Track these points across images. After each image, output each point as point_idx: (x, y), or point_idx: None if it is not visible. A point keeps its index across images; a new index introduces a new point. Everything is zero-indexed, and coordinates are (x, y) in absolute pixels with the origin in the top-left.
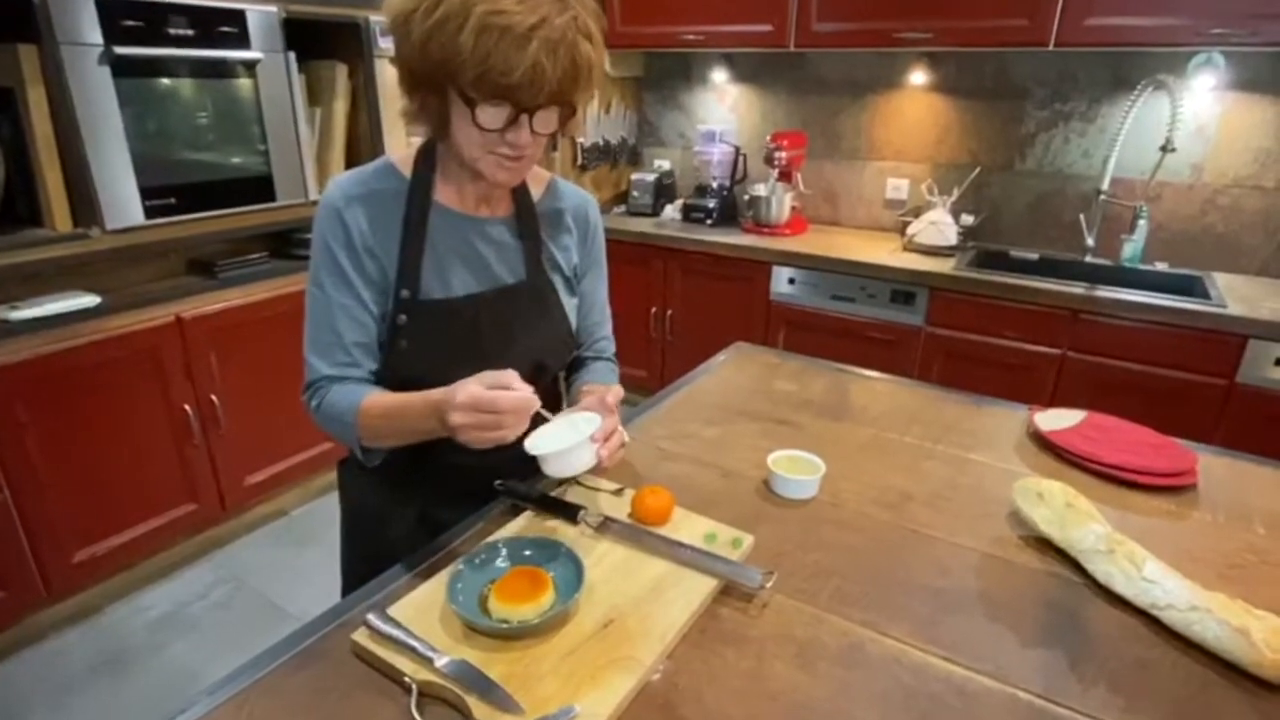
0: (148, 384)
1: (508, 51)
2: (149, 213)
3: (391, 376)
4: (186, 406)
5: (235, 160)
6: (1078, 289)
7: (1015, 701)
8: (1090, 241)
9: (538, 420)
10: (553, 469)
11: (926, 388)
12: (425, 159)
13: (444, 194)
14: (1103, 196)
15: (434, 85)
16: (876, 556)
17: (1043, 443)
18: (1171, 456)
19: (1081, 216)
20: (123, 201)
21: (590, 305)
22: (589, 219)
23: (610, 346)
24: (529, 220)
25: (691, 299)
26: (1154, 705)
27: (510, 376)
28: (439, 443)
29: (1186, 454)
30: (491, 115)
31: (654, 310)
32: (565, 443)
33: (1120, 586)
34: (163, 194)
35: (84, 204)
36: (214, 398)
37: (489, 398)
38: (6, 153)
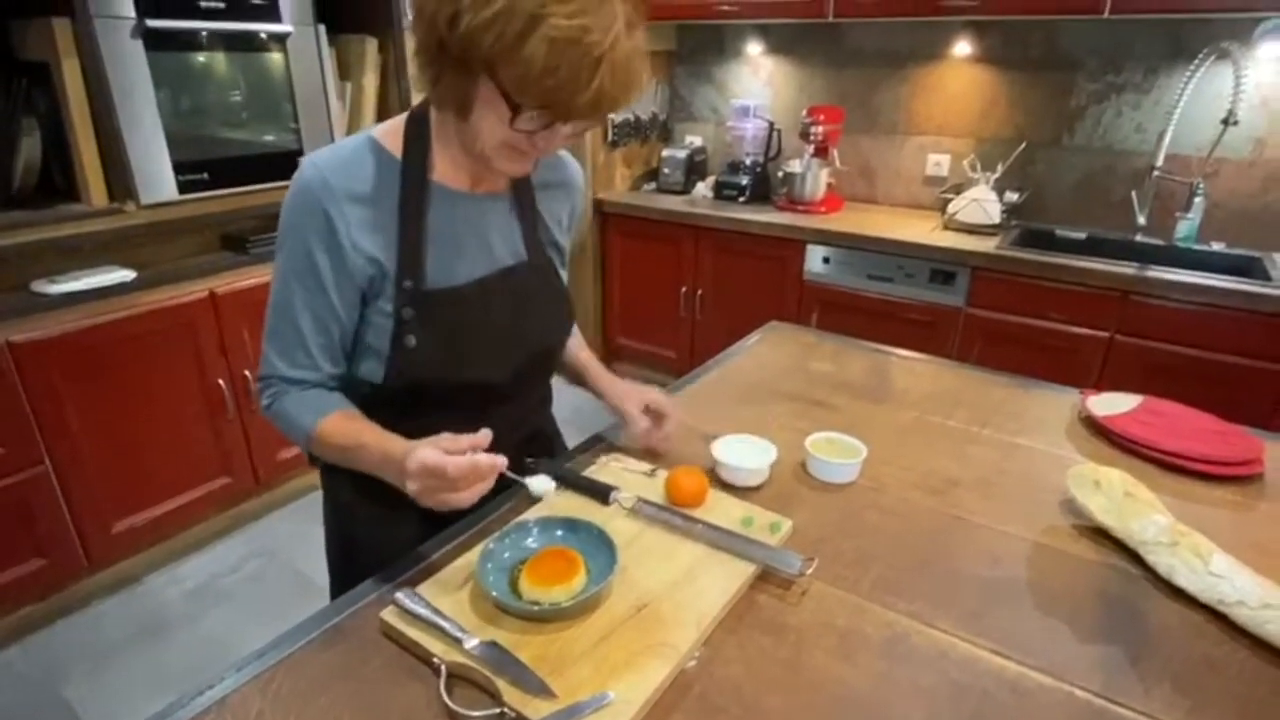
0: (182, 358)
1: (579, 71)
2: (182, 188)
3: (399, 379)
4: (220, 381)
5: (267, 136)
6: (1128, 269)
7: (1072, 700)
8: (1142, 220)
9: (503, 478)
10: (727, 475)
11: (970, 369)
12: (416, 134)
13: (439, 171)
14: (1156, 173)
15: (466, 69)
16: (921, 544)
17: (1096, 428)
18: (1237, 444)
19: (1133, 194)
20: (157, 176)
21: (569, 265)
22: (579, 187)
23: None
24: (526, 195)
25: (723, 278)
26: (1222, 707)
27: (478, 439)
28: (451, 412)
29: (1253, 441)
30: (530, 120)
31: (684, 289)
32: (745, 461)
33: (1184, 581)
34: (196, 169)
35: (119, 179)
36: (247, 373)
37: (438, 463)
38: (43, 127)
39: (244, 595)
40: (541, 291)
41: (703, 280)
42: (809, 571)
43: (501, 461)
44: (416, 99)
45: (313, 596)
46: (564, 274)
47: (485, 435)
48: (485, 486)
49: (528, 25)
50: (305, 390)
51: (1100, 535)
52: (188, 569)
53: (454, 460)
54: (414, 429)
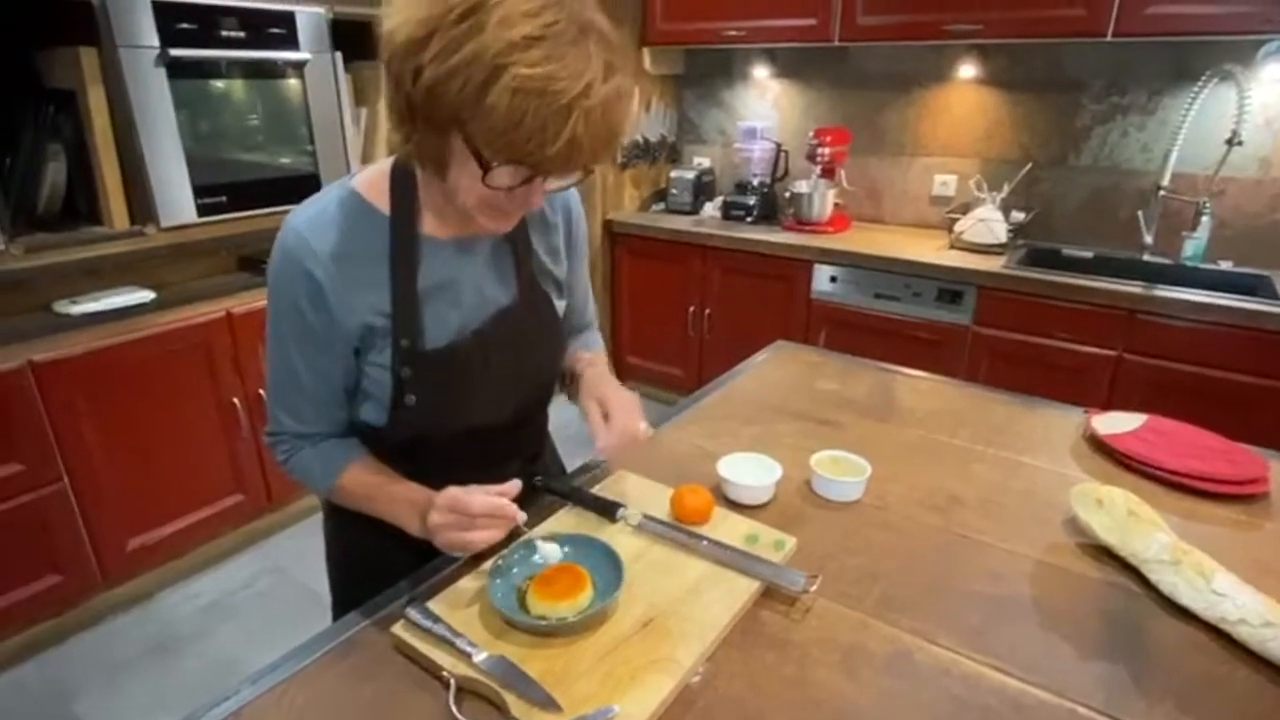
0: (198, 378)
1: (545, 121)
2: (201, 211)
3: (401, 433)
4: (235, 400)
5: (284, 160)
6: (1135, 288)
7: (1075, 717)
8: (1148, 239)
9: (515, 533)
10: (733, 494)
11: (975, 388)
12: (402, 187)
13: (427, 223)
14: (1163, 192)
15: (437, 128)
16: (924, 561)
17: (1100, 447)
18: (1241, 463)
19: (1140, 213)
20: (177, 200)
21: (576, 289)
22: (570, 209)
23: (593, 316)
24: (518, 230)
25: (730, 298)
26: None
27: (506, 488)
28: (449, 465)
29: (1257, 460)
30: (505, 176)
31: (692, 309)
32: (750, 480)
33: (1186, 599)
34: (214, 192)
35: (140, 202)
36: (261, 392)
37: (465, 497)
38: (68, 152)
39: (254, 612)
40: (537, 329)
41: (710, 300)
42: (813, 589)
43: (521, 517)
44: None
45: (322, 613)
46: (560, 304)
47: (514, 486)
48: (498, 535)
49: (490, 75)
50: (317, 444)
51: (1103, 553)
52: (200, 586)
53: (479, 497)
54: (414, 470)
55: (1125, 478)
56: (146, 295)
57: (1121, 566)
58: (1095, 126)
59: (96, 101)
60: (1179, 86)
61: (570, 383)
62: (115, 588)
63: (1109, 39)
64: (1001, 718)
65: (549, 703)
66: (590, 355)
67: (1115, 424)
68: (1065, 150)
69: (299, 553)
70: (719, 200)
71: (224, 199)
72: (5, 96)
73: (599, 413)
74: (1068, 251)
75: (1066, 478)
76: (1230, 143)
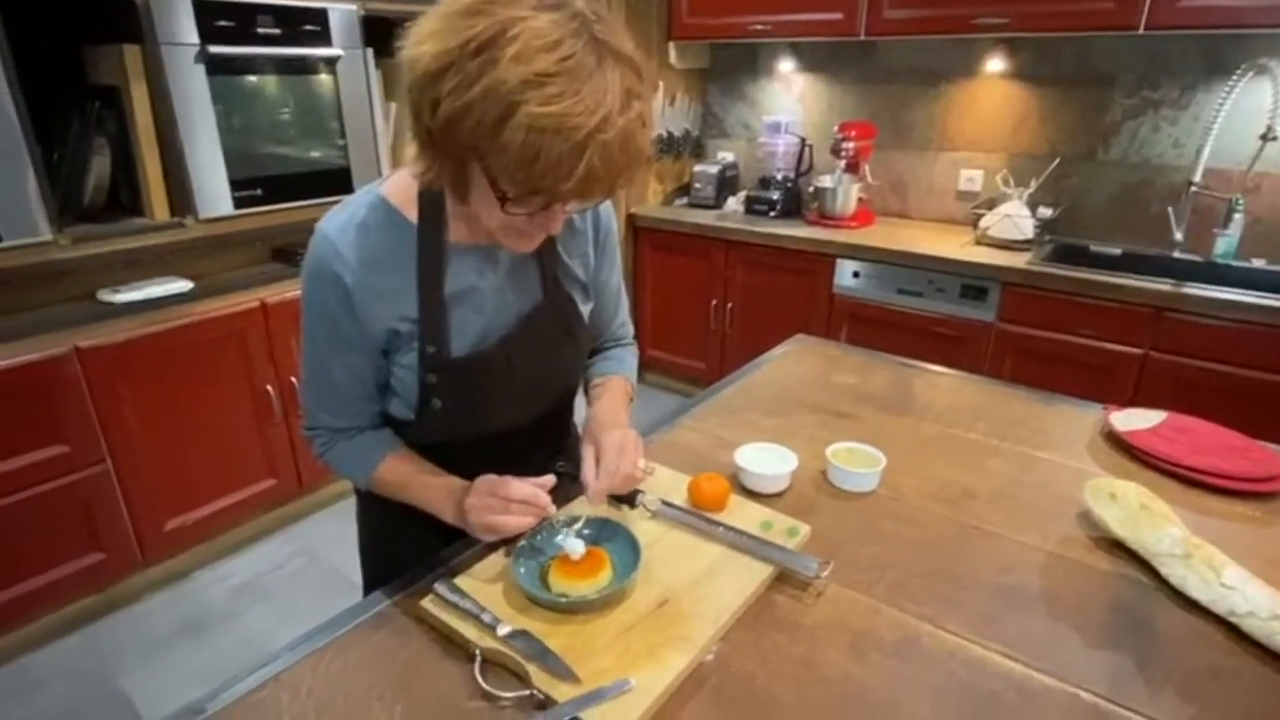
0: (234, 365)
1: (560, 157)
2: (237, 203)
3: (427, 436)
4: (269, 387)
5: (315, 154)
6: (1164, 285)
7: (1077, 702)
8: (1179, 236)
9: (543, 523)
10: (749, 482)
11: (994, 384)
12: (429, 198)
13: (454, 231)
14: (1194, 188)
15: (455, 158)
16: (936, 551)
17: (1118, 443)
18: (1258, 460)
19: (1170, 209)
20: (214, 192)
21: (605, 296)
22: (599, 214)
23: (628, 330)
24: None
25: (752, 292)
26: (1227, 714)
27: (543, 480)
28: (474, 462)
29: (1274, 458)
30: (524, 204)
31: (714, 303)
32: (767, 469)
33: (1196, 592)
34: (250, 185)
35: (180, 195)
36: (294, 379)
37: (503, 483)
38: (112, 147)
39: (285, 593)
40: (561, 334)
41: (733, 294)
42: (825, 574)
43: (552, 510)
44: None
45: (350, 595)
46: (588, 306)
47: (549, 480)
48: (530, 523)
49: (505, 112)
50: (353, 438)
51: (1115, 547)
52: (233, 566)
53: (517, 484)
54: (440, 467)
55: (1142, 474)
56: (185, 285)
57: (1133, 560)
58: (1125, 121)
59: (139, 97)
60: (1213, 80)
61: (588, 405)
62: (153, 566)
63: (1140, 32)
64: (1006, 701)
65: (569, 675)
66: (610, 381)
67: (1134, 420)
68: (1094, 145)
69: (328, 536)
70: (742, 195)
71: (259, 192)
72: (54, 93)
73: (591, 456)
74: (1095, 248)
75: (1082, 473)
76: (1265, 138)
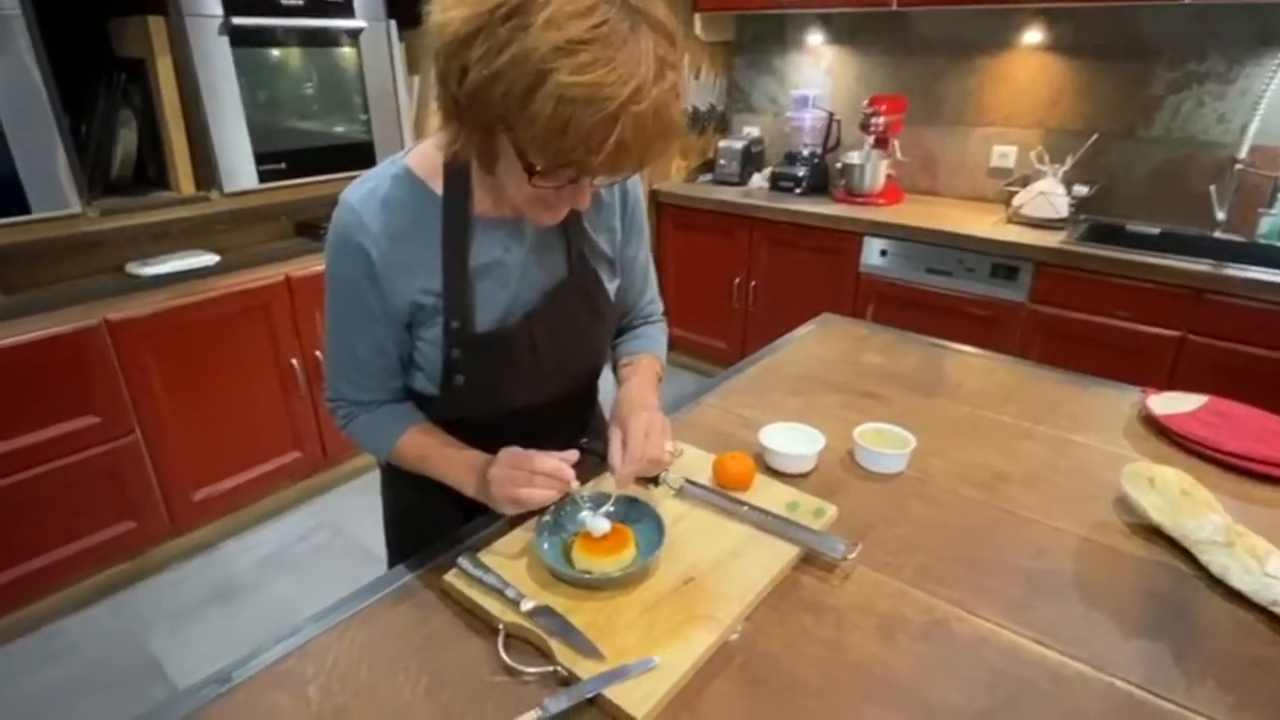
0: (259, 339)
1: (591, 128)
2: (262, 177)
3: (447, 411)
4: (294, 361)
5: (339, 128)
6: (1204, 266)
7: (1113, 691)
8: (1221, 215)
9: (567, 499)
10: (775, 462)
11: (1026, 365)
12: (455, 169)
13: (479, 203)
14: (1239, 166)
15: (482, 128)
16: (966, 535)
17: (1156, 427)
18: None
19: (1212, 188)
20: (238, 166)
21: (633, 271)
22: (628, 188)
23: (657, 307)
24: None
25: (777, 270)
26: (1268, 705)
27: (567, 455)
28: (497, 438)
29: None
30: (552, 177)
31: (737, 281)
32: (793, 449)
33: (1238, 581)
34: (274, 159)
35: (205, 168)
36: (318, 353)
37: (527, 455)
38: (139, 120)
39: (311, 565)
40: (586, 310)
41: (757, 272)
42: (852, 556)
43: (575, 485)
44: None
45: (374, 567)
46: (615, 282)
47: (573, 454)
48: (552, 496)
49: (534, 81)
50: (375, 410)
51: (1153, 534)
52: (260, 537)
53: (542, 457)
54: (464, 442)
55: (1181, 459)
56: (211, 259)
57: (1171, 547)
58: (1168, 96)
59: (164, 70)
60: (1262, 53)
61: (617, 385)
62: (182, 536)
63: (1186, 2)
64: (1038, 688)
65: (593, 651)
66: (638, 361)
67: (1173, 404)
68: (1134, 121)
69: (353, 509)
70: (768, 171)
71: (283, 166)
72: (81, 65)
73: (618, 440)
74: (1132, 227)
75: (1118, 457)
76: None
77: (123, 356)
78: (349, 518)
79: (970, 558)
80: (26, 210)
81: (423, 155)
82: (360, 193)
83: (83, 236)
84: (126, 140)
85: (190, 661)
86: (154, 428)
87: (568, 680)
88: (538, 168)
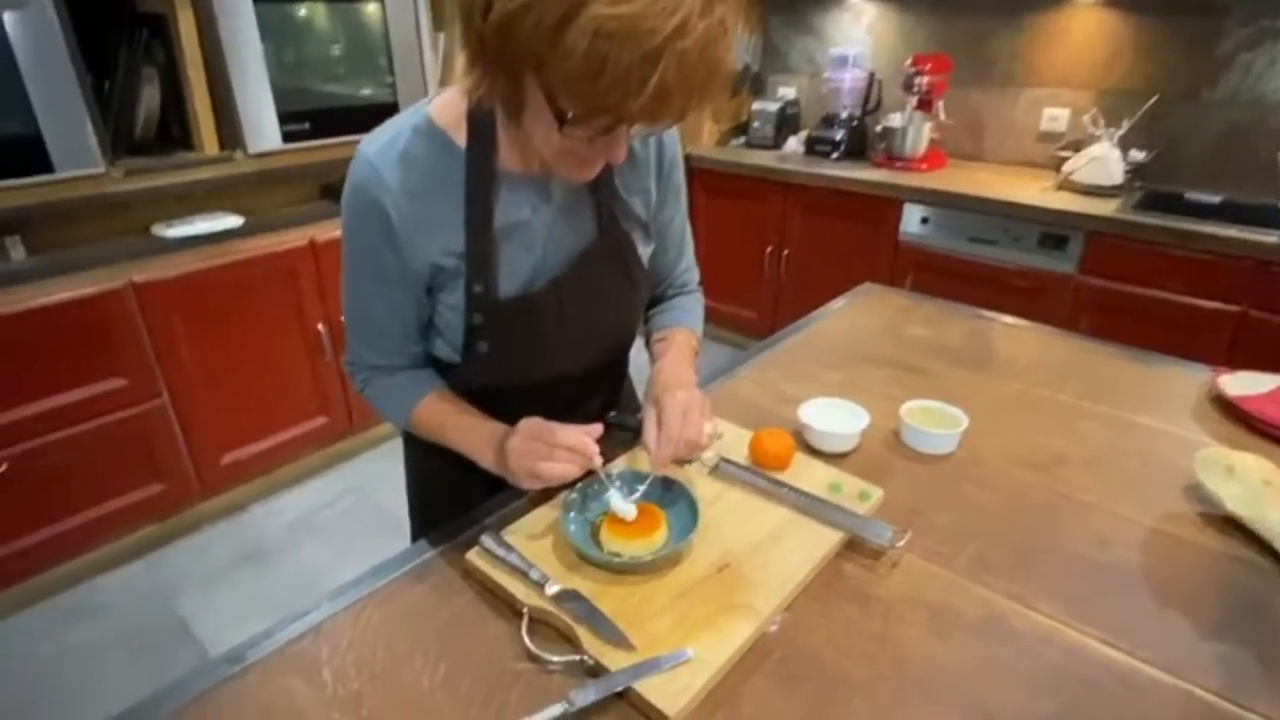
0: (284, 303)
1: (629, 67)
2: (286, 137)
3: (470, 380)
4: (319, 326)
5: (364, 90)
6: (1269, 237)
7: (1190, 699)
8: None
9: (588, 475)
10: (816, 440)
11: (1083, 340)
12: (479, 120)
13: (505, 157)
14: None
15: (509, 70)
16: (1023, 521)
17: (1228, 409)
18: None
19: None
20: (262, 126)
21: (668, 237)
22: (664, 144)
23: (694, 276)
24: (603, 169)
25: (811, 238)
26: None
27: (592, 429)
28: (521, 410)
29: None
30: (584, 125)
31: (769, 249)
32: (836, 426)
33: None
34: (298, 119)
35: (229, 127)
36: (344, 319)
37: (548, 427)
38: (161, 77)
39: (337, 530)
40: (617, 276)
41: (790, 240)
42: (901, 544)
43: (599, 461)
44: None
45: (398, 534)
46: (648, 248)
47: (598, 428)
48: (574, 471)
49: (567, 13)
50: (394, 375)
51: (1229, 525)
52: (287, 502)
53: (564, 430)
54: (487, 413)
55: (1257, 444)
56: (236, 221)
57: (1250, 540)
58: (1239, 54)
59: (186, 26)
60: None
61: (651, 362)
62: (211, 499)
63: None
64: (1107, 692)
65: (622, 640)
66: (673, 334)
67: (1247, 384)
68: (1198, 82)
69: (378, 475)
70: (804, 134)
71: (307, 126)
72: (102, 21)
73: (654, 420)
74: (1192, 196)
75: (1187, 441)
76: None
77: (149, 319)
78: (375, 484)
79: (1028, 547)
80: (50, 170)
81: (446, 104)
82: (378, 145)
83: (107, 197)
84: (150, 98)
85: (218, 622)
86: (181, 391)
87: (595, 671)
88: (569, 115)
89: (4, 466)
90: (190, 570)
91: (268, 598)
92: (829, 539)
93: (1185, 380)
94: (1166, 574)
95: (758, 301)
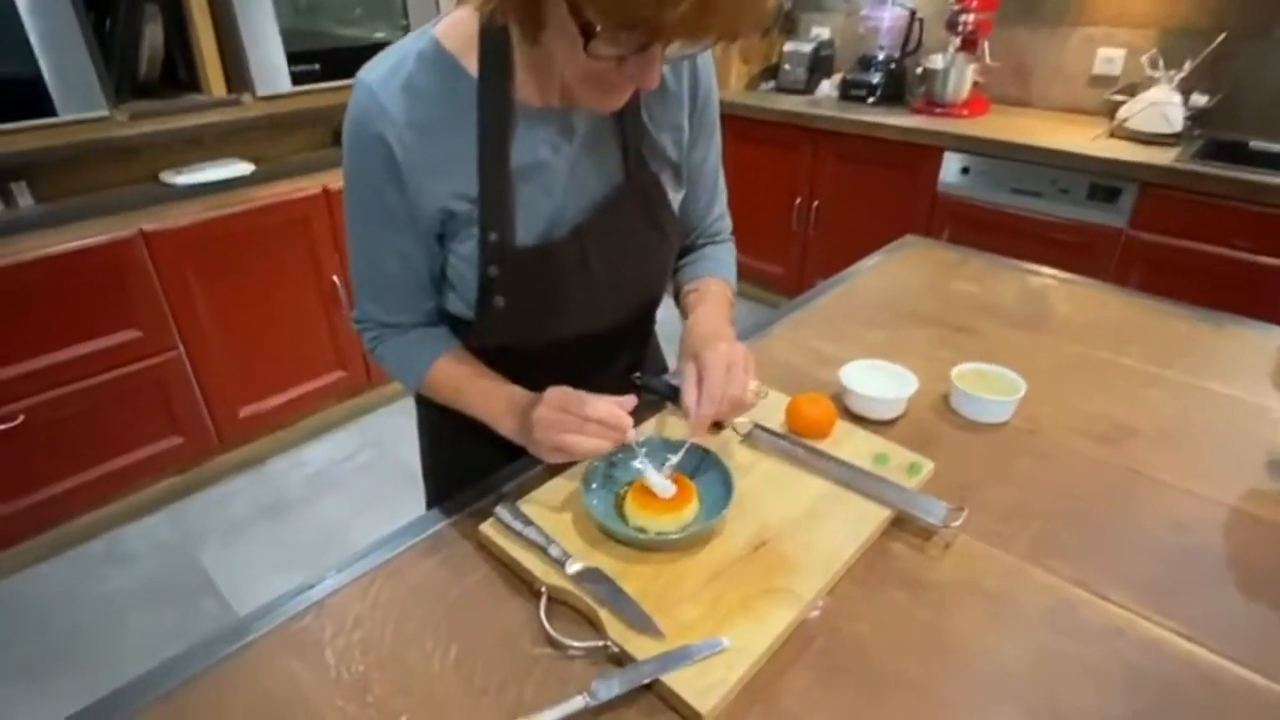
0: (299, 253)
1: None
2: (295, 79)
3: (489, 339)
4: (335, 278)
5: (378, 33)
6: None
7: None
8: None
9: (621, 448)
10: (859, 406)
11: (1145, 298)
12: (493, 43)
13: (522, 85)
14: None
15: None
16: (1089, 499)
17: None
18: None
19: None
20: (270, 68)
21: (700, 180)
22: (699, 74)
23: (726, 224)
24: (629, 103)
25: (843, 188)
26: None
27: (624, 400)
28: (542, 370)
29: None
30: (613, 43)
31: (798, 201)
32: (880, 391)
33: None
34: (307, 60)
35: (236, 69)
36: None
37: (579, 397)
38: (164, 15)
39: (356, 484)
40: (645, 226)
41: (820, 191)
42: (956, 523)
43: (633, 435)
44: None
45: (417, 489)
46: (679, 194)
47: (631, 400)
48: (605, 447)
49: None
50: (406, 333)
51: None
52: (307, 455)
53: (597, 401)
54: (505, 373)
55: None
56: (246, 168)
57: None
58: None
59: None
60: None
61: (683, 317)
62: (230, 452)
63: None
64: (1189, 693)
65: (649, 626)
66: (707, 285)
67: None
68: (1271, 18)
69: (397, 430)
70: (838, 78)
71: (316, 67)
72: None
73: (693, 377)
74: (1257, 144)
75: (1269, 411)
76: None
77: (161, 269)
78: (395, 438)
79: (1095, 528)
80: (53, 113)
81: (456, 23)
82: (380, 71)
83: (113, 141)
84: (153, 36)
85: (239, 573)
86: (197, 343)
87: (619, 659)
88: (597, 29)
89: (21, 419)
90: (212, 522)
91: (288, 550)
92: (875, 516)
93: (1262, 342)
94: (1252, 560)
95: (785, 256)
